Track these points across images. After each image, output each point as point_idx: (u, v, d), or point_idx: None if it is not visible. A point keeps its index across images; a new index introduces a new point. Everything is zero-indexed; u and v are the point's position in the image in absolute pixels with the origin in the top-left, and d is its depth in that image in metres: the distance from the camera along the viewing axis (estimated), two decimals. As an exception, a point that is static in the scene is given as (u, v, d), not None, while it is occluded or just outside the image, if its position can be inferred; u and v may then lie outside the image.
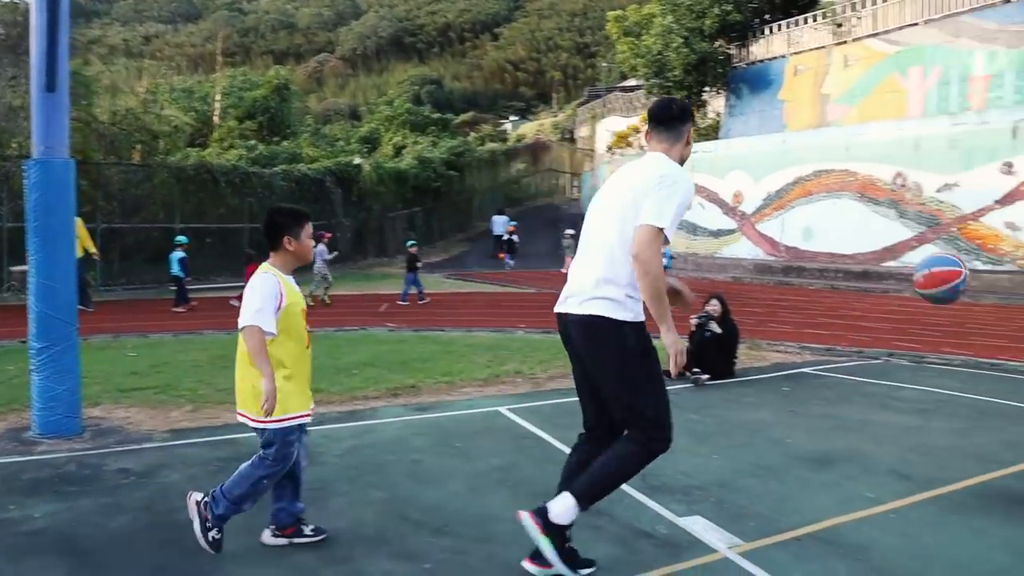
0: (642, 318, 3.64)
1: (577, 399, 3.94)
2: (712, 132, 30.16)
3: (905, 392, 8.11)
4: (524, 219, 34.36)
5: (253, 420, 3.98)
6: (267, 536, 4.20)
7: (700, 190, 26.48)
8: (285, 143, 33.57)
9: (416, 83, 78.78)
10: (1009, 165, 18.25)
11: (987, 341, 11.55)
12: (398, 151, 38.29)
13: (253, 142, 32.07)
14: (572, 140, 52.17)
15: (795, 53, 26.82)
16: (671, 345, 3.52)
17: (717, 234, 25.88)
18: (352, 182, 28.19)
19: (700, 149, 27.11)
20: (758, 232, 24.40)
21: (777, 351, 10.71)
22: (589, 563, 3.79)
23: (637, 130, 37.77)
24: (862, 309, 15.69)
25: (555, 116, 61.01)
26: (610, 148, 39.41)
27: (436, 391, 8.07)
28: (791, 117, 26.52)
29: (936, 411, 7.28)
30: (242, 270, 15.76)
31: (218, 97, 37.50)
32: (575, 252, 3.99)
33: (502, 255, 28.46)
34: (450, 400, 7.72)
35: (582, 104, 54.12)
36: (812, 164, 22.79)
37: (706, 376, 8.36)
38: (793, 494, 5.01)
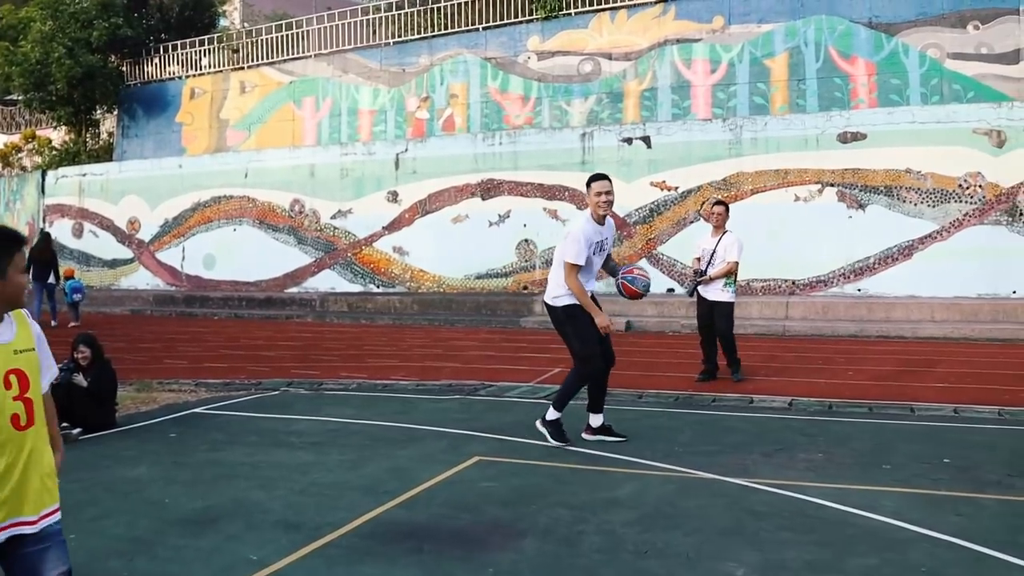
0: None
1: None
2: (105, 154, 27.89)
3: (301, 424, 7.76)
4: None
5: None
6: None
7: (91, 216, 24.31)
8: None
9: None
10: (394, 194, 19.56)
11: (381, 362, 11.92)
12: None
13: None
14: (-61, 158, 44.86)
15: (192, 75, 25.99)
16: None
17: (113, 264, 23.90)
18: None
19: (90, 172, 24.93)
20: (158, 261, 23.04)
21: (170, 390, 9.73)
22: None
23: (18, 148, 33.46)
24: (264, 337, 15.42)
25: (-83, 129, 51.94)
26: (-13, 168, 34.41)
27: None
28: (190, 141, 25.60)
29: (330, 443, 7.02)
30: None
31: None
32: None
33: None
34: None
35: (-48, 117, 46.91)
36: (211, 190, 22.15)
37: (77, 431, 7.08)
38: (165, 571, 4.23)
